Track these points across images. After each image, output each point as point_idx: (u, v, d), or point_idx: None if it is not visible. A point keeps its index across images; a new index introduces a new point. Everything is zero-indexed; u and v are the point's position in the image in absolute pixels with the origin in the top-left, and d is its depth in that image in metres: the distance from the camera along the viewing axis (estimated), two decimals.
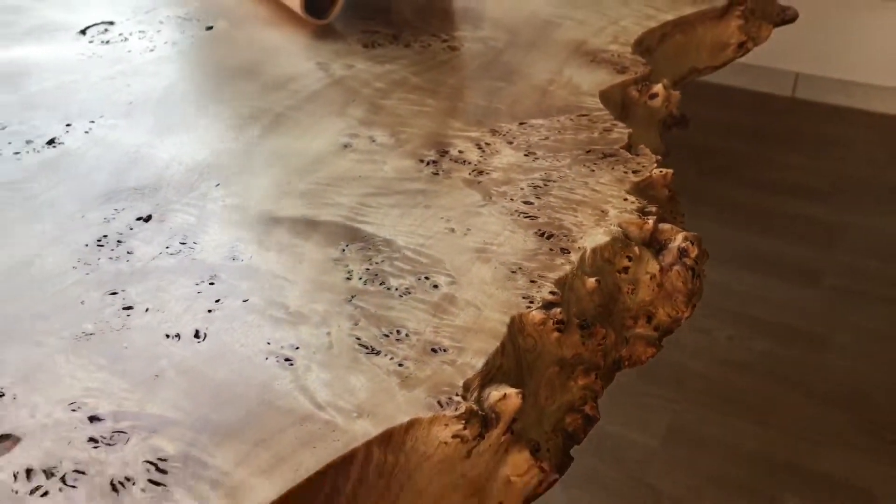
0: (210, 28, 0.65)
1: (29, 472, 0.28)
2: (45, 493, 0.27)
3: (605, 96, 0.54)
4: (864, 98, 2.13)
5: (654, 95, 0.56)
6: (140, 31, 0.64)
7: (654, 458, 1.22)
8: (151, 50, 0.61)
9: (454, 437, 0.30)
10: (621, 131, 0.49)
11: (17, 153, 0.48)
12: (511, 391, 0.31)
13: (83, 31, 0.64)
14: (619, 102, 0.56)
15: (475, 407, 0.31)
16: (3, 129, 0.50)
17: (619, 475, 1.20)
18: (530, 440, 0.33)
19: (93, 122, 0.51)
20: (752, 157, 1.96)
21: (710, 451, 1.23)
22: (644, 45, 0.63)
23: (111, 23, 0.65)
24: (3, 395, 0.31)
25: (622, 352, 0.40)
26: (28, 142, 0.49)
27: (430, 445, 0.31)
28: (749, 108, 2.17)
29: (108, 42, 0.62)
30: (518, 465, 0.32)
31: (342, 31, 0.64)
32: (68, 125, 0.50)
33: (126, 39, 0.62)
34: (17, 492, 0.28)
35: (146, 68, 0.58)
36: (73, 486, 0.28)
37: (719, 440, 1.24)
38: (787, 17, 0.80)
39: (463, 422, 0.30)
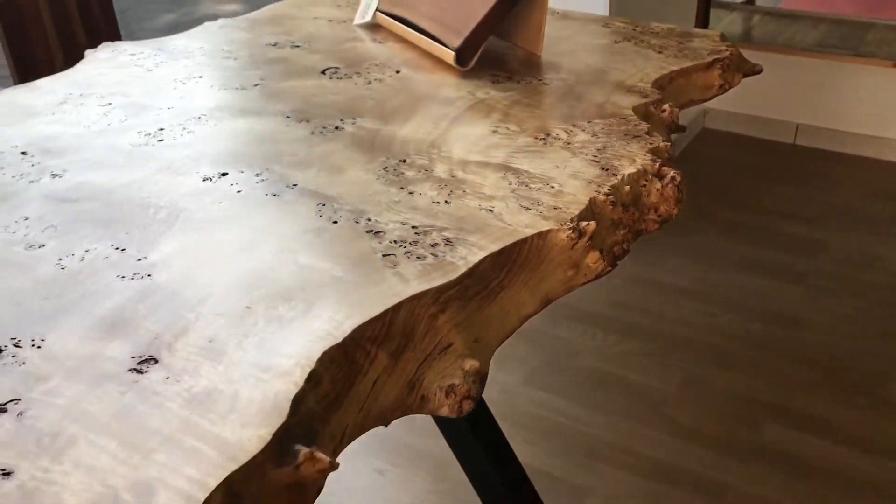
0: (398, 72, 1.06)
1: None
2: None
3: (636, 110, 0.94)
4: (853, 145, 2.51)
5: (664, 110, 0.96)
6: (356, 73, 1.06)
7: (670, 398, 1.59)
8: (368, 83, 1.02)
9: (568, 237, 0.70)
10: (643, 126, 0.89)
11: None
12: (591, 224, 0.71)
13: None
14: (643, 114, 0.96)
15: (576, 225, 0.70)
16: None
17: (645, 409, 1.57)
18: (599, 248, 0.72)
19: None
20: (755, 189, 2.34)
21: (713, 396, 1.60)
22: (659, 84, 1.03)
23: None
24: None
25: (641, 225, 0.79)
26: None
27: (557, 241, 0.70)
28: (756, 151, 2.56)
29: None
30: (594, 258, 0.72)
31: (478, 74, 1.05)
32: None
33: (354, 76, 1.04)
34: None
35: (385, 90, 0.99)
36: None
37: (720, 389, 1.62)
38: (754, 71, 1.20)
39: (571, 231, 0.70)
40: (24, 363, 0.55)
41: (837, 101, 2.46)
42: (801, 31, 2.51)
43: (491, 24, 1.04)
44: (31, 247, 0.69)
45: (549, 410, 1.57)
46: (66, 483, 0.46)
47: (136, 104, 0.97)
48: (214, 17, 1.34)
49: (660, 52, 1.12)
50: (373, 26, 1.23)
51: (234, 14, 2.41)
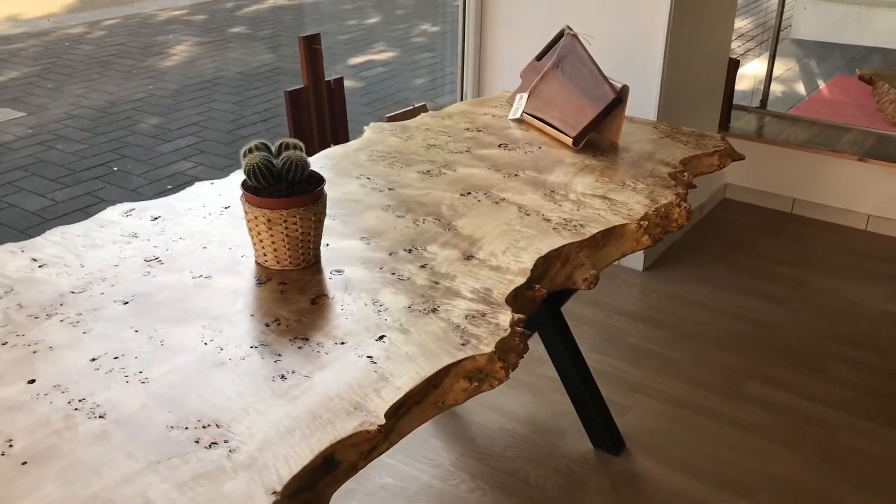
0: (540, 147, 1.91)
1: None
2: None
3: (670, 175, 1.78)
4: (833, 215, 3.31)
5: (685, 176, 1.79)
6: (517, 147, 1.91)
7: (685, 364, 2.39)
8: (525, 153, 1.87)
9: (634, 227, 1.53)
10: (672, 183, 1.73)
11: None
12: (645, 222, 1.54)
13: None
14: (673, 176, 1.79)
15: (639, 223, 1.53)
16: None
17: (668, 369, 2.37)
18: (649, 234, 1.55)
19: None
20: (758, 242, 3.15)
21: (713, 364, 2.39)
22: (683, 161, 1.86)
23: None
24: None
25: (669, 227, 1.62)
26: None
27: (629, 229, 1.53)
28: (762, 216, 3.37)
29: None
30: (646, 238, 1.55)
31: (584, 151, 1.89)
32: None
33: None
34: None
35: (535, 156, 1.84)
36: None
37: (718, 361, 2.40)
38: (739, 158, 2.03)
39: (636, 225, 1.53)
40: None
41: (822, 183, 3.26)
42: (797, 131, 3.32)
43: (594, 125, 1.89)
44: None
45: (606, 366, 2.35)
46: None
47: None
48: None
49: (685, 145, 1.96)
50: (520, 121, 2.09)
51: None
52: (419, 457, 1.97)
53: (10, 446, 0.92)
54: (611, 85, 1.89)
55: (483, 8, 2.93)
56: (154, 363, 1.07)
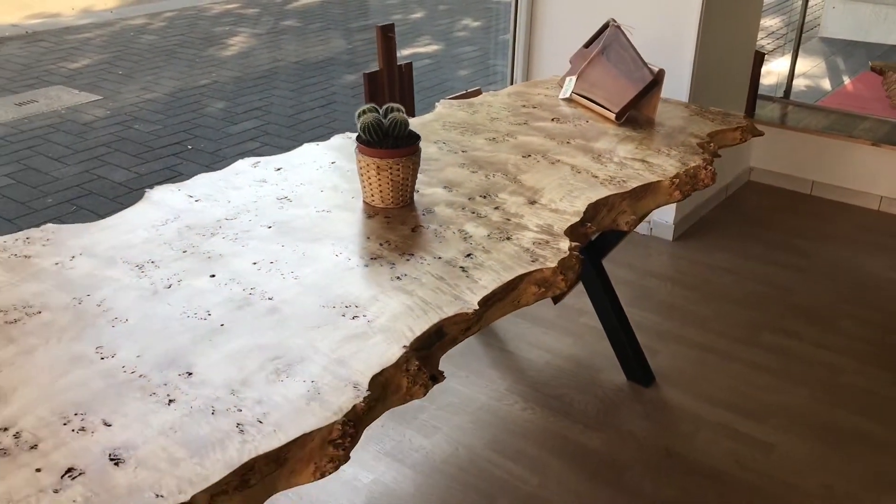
0: (587, 121, 2.23)
1: None
2: None
3: (698, 145, 2.08)
4: (849, 196, 3.58)
5: (711, 145, 2.10)
6: (567, 121, 2.23)
7: (709, 318, 2.69)
8: (574, 126, 2.19)
9: (668, 183, 1.84)
10: (700, 150, 2.04)
11: None
12: (677, 179, 1.85)
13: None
14: (701, 146, 2.09)
15: (671, 180, 1.85)
16: None
17: (694, 321, 2.67)
18: (679, 190, 1.87)
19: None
20: (779, 219, 3.44)
21: (734, 318, 2.69)
22: (710, 135, 2.17)
23: None
24: None
25: (696, 186, 1.93)
26: None
27: (663, 185, 1.84)
28: (783, 197, 3.65)
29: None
30: (677, 194, 1.86)
31: (626, 125, 2.20)
32: None
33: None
34: None
35: (583, 129, 2.16)
36: None
37: (738, 316, 2.70)
38: (758, 134, 2.33)
39: (668, 182, 1.84)
40: None
41: (839, 166, 3.53)
42: (817, 119, 3.60)
43: (634, 102, 2.20)
44: None
45: (639, 317, 2.66)
46: None
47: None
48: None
49: (712, 121, 2.26)
50: (569, 100, 2.41)
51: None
52: (479, 383, 2.30)
53: (209, 315, 1.26)
54: (649, 69, 2.20)
55: (533, 3, 3.25)
56: (300, 266, 1.41)
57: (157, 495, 0.91)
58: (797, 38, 3.59)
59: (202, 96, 5.30)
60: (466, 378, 2.32)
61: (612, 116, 2.20)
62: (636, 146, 2.04)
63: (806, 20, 3.71)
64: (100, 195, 3.82)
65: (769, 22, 4.92)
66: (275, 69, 6.00)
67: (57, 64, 6.02)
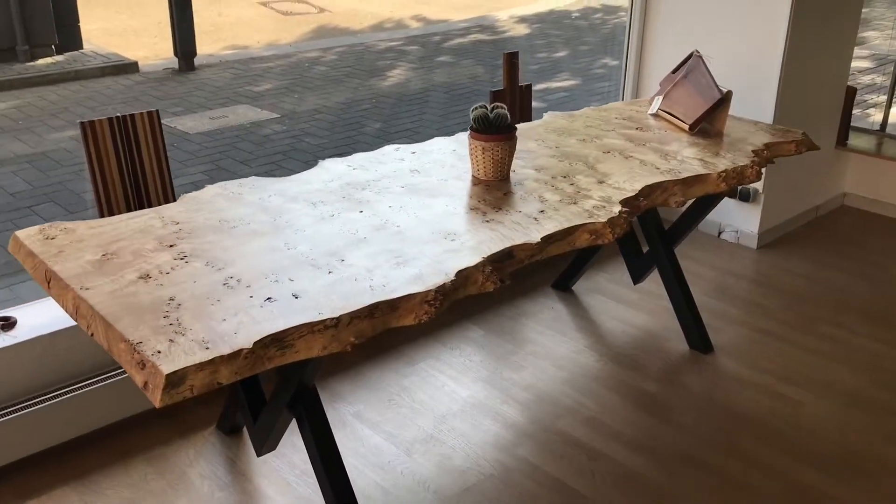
0: (665, 131, 2.70)
1: None
2: None
3: (754, 151, 2.52)
4: (878, 207, 3.82)
5: (765, 153, 2.52)
6: (650, 130, 2.71)
7: (772, 310, 3.06)
8: (654, 134, 2.67)
9: (716, 177, 2.30)
10: (753, 155, 2.47)
11: None
12: (725, 173, 2.30)
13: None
14: (756, 153, 2.52)
15: (719, 175, 2.30)
16: None
17: (752, 315, 3.06)
18: (726, 182, 2.31)
19: None
20: (861, 239, 3.72)
21: (795, 312, 3.05)
22: (766, 146, 2.59)
23: None
24: None
25: (743, 182, 2.37)
26: None
27: (713, 177, 2.30)
28: (872, 222, 3.92)
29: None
30: (723, 186, 2.31)
31: (698, 134, 2.66)
32: None
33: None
34: None
35: (663, 136, 2.64)
36: None
37: (799, 310, 3.06)
38: (814, 147, 2.72)
39: (717, 176, 2.29)
40: None
41: (873, 177, 3.80)
42: None
43: (705, 116, 2.66)
44: None
45: (712, 304, 3.05)
46: None
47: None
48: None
49: (772, 136, 2.69)
50: (655, 115, 2.88)
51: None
52: (563, 341, 2.80)
53: (356, 232, 1.85)
54: (719, 90, 2.66)
55: (643, 38, 3.75)
56: (421, 210, 1.98)
57: (319, 312, 1.49)
58: (894, 73, 3.88)
59: (362, 118, 6.07)
60: (552, 336, 2.82)
61: (686, 127, 2.67)
62: (700, 150, 2.50)
63: None
64: None
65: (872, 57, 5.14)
66: (426, 97, 6.72)
67: (244, 87, 6.99)
